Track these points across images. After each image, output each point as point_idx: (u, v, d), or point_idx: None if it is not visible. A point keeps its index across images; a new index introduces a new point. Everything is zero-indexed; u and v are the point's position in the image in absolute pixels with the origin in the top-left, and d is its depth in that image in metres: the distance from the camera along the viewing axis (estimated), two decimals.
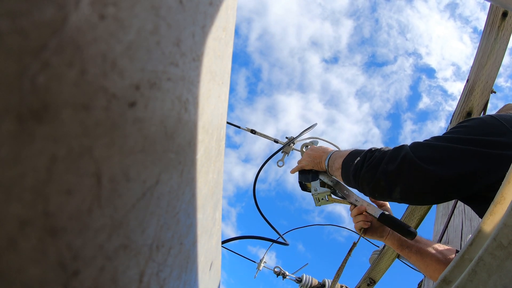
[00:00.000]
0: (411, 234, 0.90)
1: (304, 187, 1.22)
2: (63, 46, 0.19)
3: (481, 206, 0.74)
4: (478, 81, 1.76)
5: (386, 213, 0.99)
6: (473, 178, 0.67)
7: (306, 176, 1.20)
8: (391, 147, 0.83)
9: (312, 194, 1.15)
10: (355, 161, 0.87)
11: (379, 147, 0.88)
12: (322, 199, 1.14)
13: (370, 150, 0.87)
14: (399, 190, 0.73)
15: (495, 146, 0.67)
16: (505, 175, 0.57)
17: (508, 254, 0.40)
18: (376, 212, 1.00)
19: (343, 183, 1.11)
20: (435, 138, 0.76)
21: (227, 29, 0.44)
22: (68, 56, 0.19)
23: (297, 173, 1.25)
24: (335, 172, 1.03)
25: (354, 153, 0.93)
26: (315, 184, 1.15)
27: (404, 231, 0.92)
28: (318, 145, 1.48)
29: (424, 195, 0.72)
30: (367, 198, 1.06)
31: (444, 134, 0.78)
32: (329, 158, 1.09)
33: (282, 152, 1.65)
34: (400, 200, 0.78)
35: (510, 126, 0.70)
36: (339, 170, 0.98)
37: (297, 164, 1.25)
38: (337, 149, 1.15)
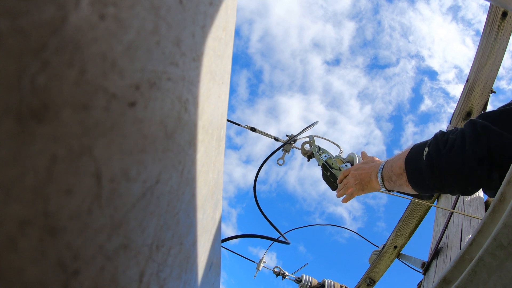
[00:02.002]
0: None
1: (334, 188, 1.30)
2: (63, 46, 0.19)
3: None
4: (478, 81, 1.76)
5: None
6: None
7: (331, 184, 1.29)
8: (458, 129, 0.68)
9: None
10: (424, 154, 0.69)
11: (444, 131, 0.72)
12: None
13: (436, 136, 0.71)
14: (497, 174, 0.59)
15: None
16: None
17: (508, 254, 0.40)
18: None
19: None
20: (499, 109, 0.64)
21: (227, 29, 0.44)
22: (68, 56, 0.19)
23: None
24: (397, 180, 0.81)
25: (417, 147, 0.75)
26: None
27: None
28: (315, 148, 1.48)
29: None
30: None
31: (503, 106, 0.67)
32: (382, 170, 0.87)
33: (282, 151, 1.65)
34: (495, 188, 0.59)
35: None
36: (403, 174, 0.77)
37: (343, 191, 1.06)
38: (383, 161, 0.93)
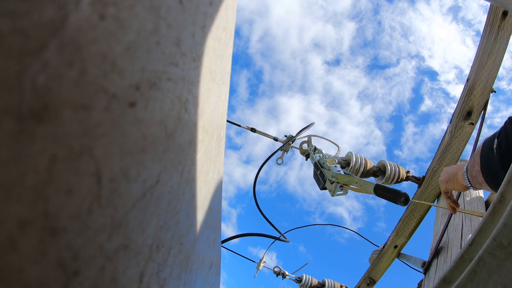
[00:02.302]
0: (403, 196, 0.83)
1: (322, 187, 1.30)
2: (63, 46, 0.19)
3: None
4: (478, 81, 1.76)
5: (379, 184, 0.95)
6: None
7: (319, 183, 1.28)
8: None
9: (331, 193, 1.23)
10: (494, 147, 0.65)
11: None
12: (340, 192, 1.20)
13: (505, 124, 0.66)
14: None
15: None
16: None
17: (508, 254, 0.40)
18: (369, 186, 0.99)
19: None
20: None
21: (227, 29, 0.44)
22: (68, 56, 0.19)
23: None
24: (477, 177, 0.77)
25: (488, 141, 0.71)
26: (329, 185, 1.23)
27: (396, 198, 0.87)
28: (311, 147, 1.49)
29: None
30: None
31: None
32: (467, 169, 0.84)
33: (281, 151, 1.66)
34: None
35: None
36: (479, 172, 0.73)
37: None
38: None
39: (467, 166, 0.83)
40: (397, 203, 0.86)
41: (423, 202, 1.41)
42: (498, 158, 0.64)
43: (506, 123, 0.67)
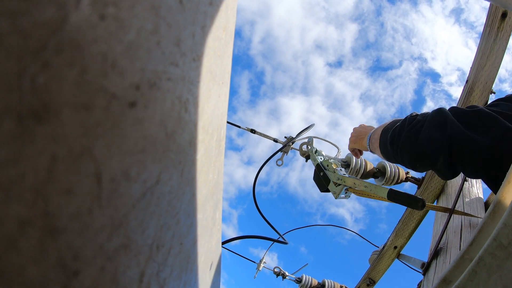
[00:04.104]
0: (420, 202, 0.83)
1: (323, 190, 1.30)
2: (63, 46, 0.19)
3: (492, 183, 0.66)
4: (478, 82, 1.76)
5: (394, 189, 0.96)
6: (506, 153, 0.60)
7: (321, 183, 1.27)
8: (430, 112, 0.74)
9: (334, 196, 1.22)
10: (393, 127, 0.78)
11: (420, 112, 0.78)
12: (344, 195, 1.20)
13: (411, 114, 0.77)
14: (442, 159, 0.66)
15: None
16: None
17: (508, 254, 0.40)
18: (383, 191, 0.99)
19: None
20: (475, 108, 0.69)
21: (227, 29, 0.44)
22: (68, 56, 0.19)
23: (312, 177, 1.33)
24: (374, 144, 0.94)
25: (394, 121, 0.83)
26: (332, 187, 1.22)
27: (413, 203, 0.85)
28: (311, 150, 1.51)
29: (468, 164, 0.64)
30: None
31: (486, 106, 0.71)
32: (372, 133, 1.01)
33: (281, 152, 1.66)
34: (443, 171, 0.69)
35: None
36: (378, 141, 0.88)
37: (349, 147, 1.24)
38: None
39: (370, 136, 1.00)
40: (413, 208, 0.86)
41: (436, 206, 1.41)
42: (392, 153, 0.77)
43: (410, 114, 0.78)
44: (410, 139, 0.70)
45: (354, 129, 1.19)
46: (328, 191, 1.30)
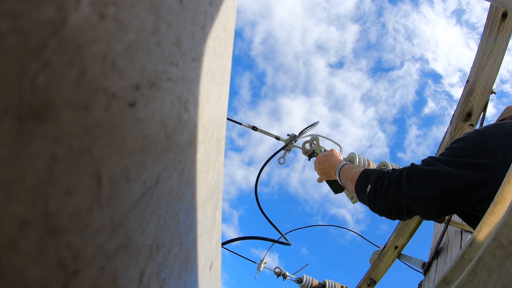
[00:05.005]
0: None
1: (338, 192, 1.33)
2: (63, 46, 0.19)
3: (470, 222, 0.86)
4: (478, 82, 1.76)
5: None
6: (459, 197, 0.75)
7: (337, 187, 1.31)
8: (397, 169, 0.90)
9: (352, 200, 1.27)
10: (368, 191, 0.93)
11: (387, 169, 0.94)
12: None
13: (378, 178, 0.92)
14: (406, 213, 0.84)
15: (482, 167, 0.74)
16: (488, 193, 0.62)
17: (508, 254, 0.39)
18: None
19: None
20: (432, 158, 0.86)
21: (227, 29, 0.44)
22: (68, 56, 0.19)
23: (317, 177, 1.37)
24: (348, 187, 1.09)
25: (364, 179, 0.98)
26: (347, 191, 1.26)
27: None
28: (319, 148, 1.52)
29: (425, 214, 0.81)
30: None
31: (439, 154, 0.87)
32: (338, 174, 1.16)
33: (283, 150, 1.65)
34: (410, 218, 0.90)
35: (494, 143, 0.77)
36: (354, 192, 1.04)
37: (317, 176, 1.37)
38: (343, 162, 1.19)
39: (338, 174, 1.15)
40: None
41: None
42: (368, 201, 0.92)
43: (377, 178, 0.92)
44: (383, 205, 0.88)
45: (316, 166, 1.33)
46: (341, 192, 1.31)
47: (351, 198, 1.27)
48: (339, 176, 1.15)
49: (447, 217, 1.71)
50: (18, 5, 0.17)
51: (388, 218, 0.91)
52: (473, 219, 0.83)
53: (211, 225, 0.52)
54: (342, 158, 1.35)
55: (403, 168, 0.87)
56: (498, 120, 1.18)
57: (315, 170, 1.34)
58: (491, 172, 0.72)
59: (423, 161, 0.86)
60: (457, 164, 0.77)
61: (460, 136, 0.90)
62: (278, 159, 1.62)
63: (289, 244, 1.16)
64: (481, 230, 0.48)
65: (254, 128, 1.87)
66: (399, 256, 2.08)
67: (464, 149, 0.81)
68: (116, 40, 0.23)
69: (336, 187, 1.31)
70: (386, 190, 0.86)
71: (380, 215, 0.92)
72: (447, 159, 0.81)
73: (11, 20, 0.17)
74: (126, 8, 0.23)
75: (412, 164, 0.87)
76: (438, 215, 0.81)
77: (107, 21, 0.22)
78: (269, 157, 1.45)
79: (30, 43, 0.17)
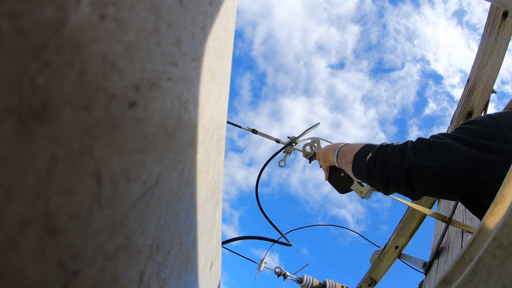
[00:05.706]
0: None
1: (343, 191, 1.30)
2: (63, 46, 0.19)
3: (472, 207, 0.81)
4: (479, 81, 1.76)
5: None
6: (462, 176, 0.71)
7: (343, 184, 1.28)
8: (401, 143, 0.85)
9: (361, 195, 1.24)
10: (367, 157, 0.88)
11: (390, 142, 0.89)
12: (369, 192, 1.22)
13: (381, 146, 0.88)
14: (404, 184, 0.77)
15: (495, 152, 0.71)
16: (493, 178, 0.62)
17: (508, 254, 0.39)
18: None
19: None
20: (442, 134, 0.80)
21: (227, 29, 0.44)
22: (68, 56, 0.19)
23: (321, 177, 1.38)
24: (345, 165, 1.04)
25: (366, 148, 0.94)
26: (356, 187, 1.24)
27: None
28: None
29: (423, 186, 0.76)
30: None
31: (451, 132, 0.82)
32: (338, 150, 1.11)
33: (283, 152, 1.65)
34: (408, 195, 0.81)
35: (508, 129, 0.74)
36: (350, 164, 0.99)
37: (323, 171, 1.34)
38: (344, 143, 1.16)
39: (337, 153, 1.10)
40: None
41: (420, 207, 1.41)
42: (366, 168, 0.87)
43: (381, 146, 0.88)
44: (381, 172, 0.82)
45: (318, 153, 1.31)
46: (347, 191, 1.29)
47: (360, 193, 1.25)
48: (338, 152, 1.10)
49: (447, 217, 1.71)
50: (18, 5, 0.17)
51: (383, 190, 0.85)
52: (475, 204, 0.79)
53: (211, 225, 0.52)
54: None
55: (409, 140, 0.83)
56: (505, 109, 1.16)
57: (319, 163, 1.30)
58: (502, 158, 0.69)
59: (432, 135, 0.82)
60: (470, 142, 0.73)
61: (471, 119, 0.86)
62: (279, 162, 1.61)
63: (290, 245, 1.16)
64: (481, 230, 0.48)
65: (254, 131, 1.87)
66: (400, 256, 2.08)
67: (478, 131, 0.77)
68: (116, 40, 0.23)
69: (340, 185, 1.29)
70: (388, 156, 0.81)
71: (376, 186, 0.86)
72: (460, 136, 0.77)
73: (11, 20, 0.17)
74: (126, 8, 0.23)
75: (419, 137, 0.82)
76: (435, 190, 0.77)
77: (107, 21, 0.22)
78: (269, 158, 1.45)
79: (30, 43, 0.17)
